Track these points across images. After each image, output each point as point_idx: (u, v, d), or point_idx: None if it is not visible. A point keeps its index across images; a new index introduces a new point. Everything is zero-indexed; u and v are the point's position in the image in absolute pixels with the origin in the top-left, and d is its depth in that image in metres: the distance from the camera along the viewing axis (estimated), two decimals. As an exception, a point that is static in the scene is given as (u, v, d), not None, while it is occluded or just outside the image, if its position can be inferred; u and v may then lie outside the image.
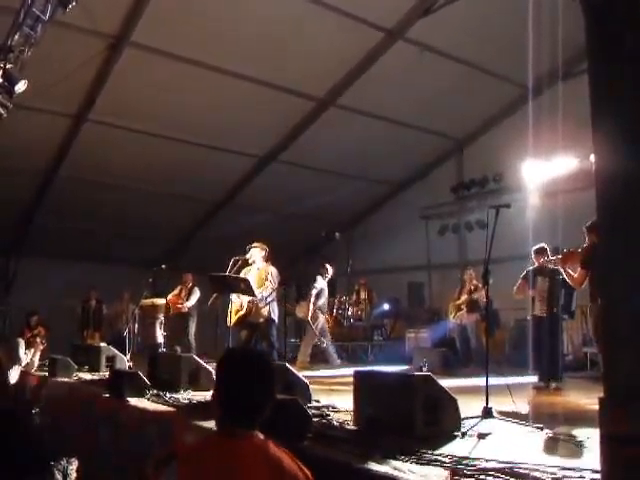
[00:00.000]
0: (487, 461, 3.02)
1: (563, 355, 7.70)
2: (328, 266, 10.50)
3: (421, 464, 3.04)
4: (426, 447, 3.30)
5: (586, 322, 8.92)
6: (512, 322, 10.50)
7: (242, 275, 7.40)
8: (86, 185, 11.77)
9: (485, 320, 8.39)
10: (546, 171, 10.10)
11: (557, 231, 7.76)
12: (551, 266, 7.00)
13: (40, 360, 8.34)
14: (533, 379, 7.16)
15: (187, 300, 10.51)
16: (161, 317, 10.89)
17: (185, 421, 4.44)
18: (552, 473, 2.79)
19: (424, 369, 7.23)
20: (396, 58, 9.79)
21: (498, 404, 4.50)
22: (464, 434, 3.72)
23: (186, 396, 5.55)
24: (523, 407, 4.90)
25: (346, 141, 11.59)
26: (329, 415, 4.41)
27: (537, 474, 2.77)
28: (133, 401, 5.35)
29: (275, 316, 7.56)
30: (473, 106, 11.49)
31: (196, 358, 6.33)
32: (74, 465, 4.17)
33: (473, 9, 8.88)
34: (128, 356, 8.50)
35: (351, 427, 4.02)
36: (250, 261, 7.58)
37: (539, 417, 4.47)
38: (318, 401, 5.00)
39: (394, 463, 3.05)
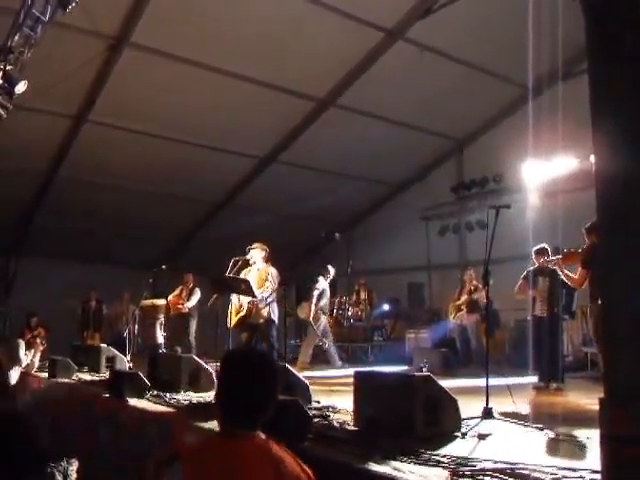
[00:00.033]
0: (487, 461, 3.02)
1: (563, 355, 7.69)
2: (330, 267, 10.50)
3: (421, 464, 3.05)
4: (426, 448, 3.31)
5: (586, 322, 8.91)
6: (512, 322, 10.50)
7: (242, 276, 7.39)
8: (86, 185, 11.77)
9: (485, 320, 8.39)
10: (546, 171, 10.10)
11: (557, 231, 7.76)
12: (551, 266, 7.01)
13: (40, 361, 8.33)
14: (533, 379, 7.16)
15: (188, 301, 10.50)
16: (161, 318, 10.90)
17: (185, 422, 4.44)
18: (552, 473, 2.79)
19: (424, 369, 7.22)
20: (396, 58, 9.78)
21: (498, 404, 4.51)
22: (464, 434, 3.73)
23: (186, 397, 5.55)
24: (523, 407, 4.90)
25: (346, 141, 11.58)
26: (329, 416, 4.42)
27: (537, 474, 2.77)
28: (133, 402, 5.35)
29: (275, 317, 7.55)
30: (473, 106, 11.48)
31: (196, 359, 6.33)
32: (74, 466, 4.17)
33: (473, 9, 8.88)
34: (128, 357, 8.49)
35: (351, 428, 4.02)
36: (250, 262, 7.57)
37: (539, 417, 4.47)
38: (318, 402, 5.01)
39: (394, 463, 3.05)
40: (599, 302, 5.32)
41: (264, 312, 7.41)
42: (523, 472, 2.81)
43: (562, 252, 6.94)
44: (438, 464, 3.04)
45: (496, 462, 2.99)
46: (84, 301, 12.40)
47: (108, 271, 13.19)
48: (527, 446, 3.49)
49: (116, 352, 8.10)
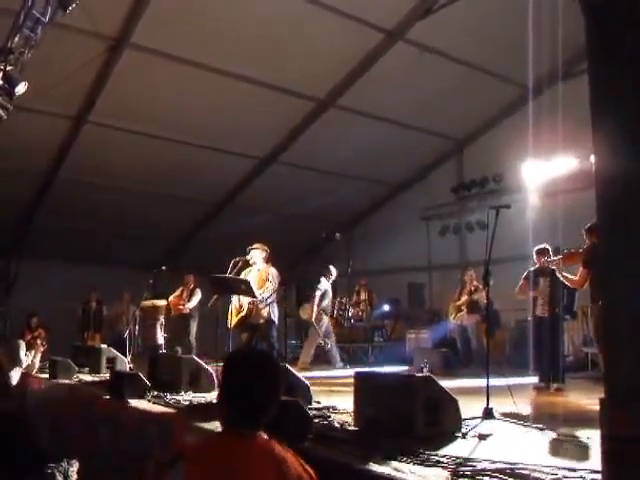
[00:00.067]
0: (488, 462, 3.02)
1: (564, 356, 7.69)
2: (332, 268, 10.49)
3: (422, 465, 3.04)
4: (427, 448, 3.30)
5: (587, 323, 8.91)
6: (513, 323, 10.50)
7: (242, 276, 7.39)
8: (86, 186, 11.77)
9: (486, 321, 8.39)
10: (546, 171, 10.09)
11: (557, 231, 7.75)
12: (552, 267, 7.00)
13: (41, 362, 8.34)
14: (534, 380, 7.16)
15: (189, 301, 10.51)
16: (161, 318, 10.90)
17: (185, 422, 4.43)
18: (552, 473, 2.78)
19: (425, 370, 7.22)
20: (396, 59, 9.79)
21: (499, 405, 4.50)
22: (465, 435, 3.72)
23: (187, 397, 5.55)
24: (524, 408, 4.90)
25: (346, 142, 11.58)
26: (330, 416, 4.41)
27: (537, 474, 2.77)
28: (133, 402, 5.35)
29: (275, 317, 7.55)
30: (473, 106, 11.49)
31: (196, 359, 6.32)
32: (74, 466, 4.18)
33: (473, 9, 8.88)
34: (129, 357, 8.50)
35: (352, 428, 4.02)
36: (251, 262, 7.58)
37: (540, 418, 4.47)
38: (319, 402, 5.00)
39: (395, 464, 3.05)
40: (600, 303, 5.32)
41: (264, 312, 7.41)
42: (523, 472, 2.81)
43: (563, 253, 6.94)
44: (438, 464, 3.04)
45: (496, 462, 2.99)
46: (84, 302, 12.40)
47: (108, 272, 13.17)
48: (528, 446, 3.49)
49: (116, 353, 8.10)
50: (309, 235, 13.81)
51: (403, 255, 13.29)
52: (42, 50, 6.81)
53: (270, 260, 7.75)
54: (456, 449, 3.38)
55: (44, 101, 8.92)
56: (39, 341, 9.17)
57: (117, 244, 13.61)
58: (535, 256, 7.24)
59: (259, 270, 7.57)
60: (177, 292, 10.75)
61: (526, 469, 2.84)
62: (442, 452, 3.29)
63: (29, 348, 8.06)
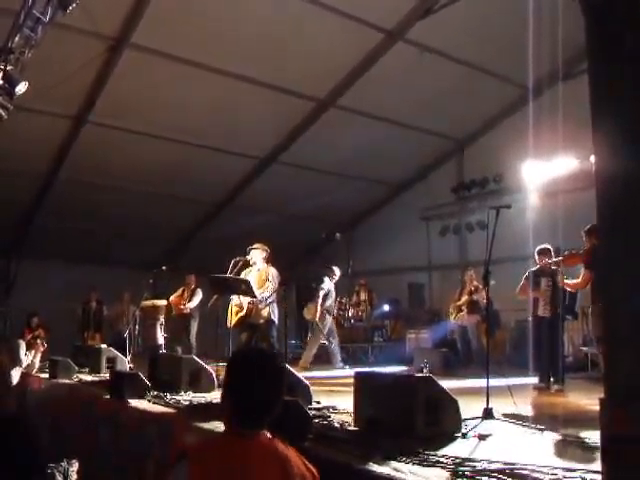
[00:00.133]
0: (488, 462, 3.02)
1: (564, 356, 7.68)
2: (335, 268, 10.48)
3: (422, 465, 3.04)
4: (427, 448, 3.30)
5: (587, 323, 8.91)
6: (513, 323, 10.50)
7: (243, 276, 7.40)
8: (86, 186, 11.76)
9: (486, 321, 8.39)
10: (546, 171, 10.10)
11: (557, 231, 7.75)
12: (553, 267, 7.00)
13: (41, 361, 8.33)
14: (534, 380, 7.15)
15: (190, 301, 10.52)
16: (161, 318, 10.90)
17: (185, 422, 4.43)
18: (552, 474, 2.78)
19: (425, 370, 7.22)
20: (396, 59, 9.79)
21: (499, 405, 4.50)
22: (465, 435, 3.72)
23: (186, 397, 5.55)
24: (524, 408, 4.90)
25: (346, 142, 11.58)
26: (330, 416, 4.42)
27: (537, 475, 2.77)
28: (133, 402, 5.35)
29: (275, 317, 7.55)
30: (473, 107, 11.49)
31: (197, 359, 6.32)
32: (74, 466, 4.17)
33: (473, 9, 8.88)
34: (129, 357, 8.50)
35: (352, 428, 4.02)
36: (251, 262, 7.58)
37: (540, 418, 4.47)
38: (319, 402, 5.00)
39: (394, 464, 3.05)
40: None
41: (264, 312, 7.41)
42: (523, 472, 2.81)
43: (563, 254, 6.93)
44: (438, 464, 3.04)
45: (496, 462, 2.99)
46: (84, 302, 12.39)
47: (108, 272, 13.17)
48: (527, 447, 3.49)
49: (116, 353, 8.10)
50: (309, 235, 13.80)
51: (403, 255, 13.29)
52: (42, 50, 6.81)
53: (270, 260, 7.75)
54: (456, 449, 3.38)
55: (44, 101, 8.91)
56: (39, 341, 9.15)
57: (117, 244, 13.61)
58: (537, 256, 7.22)
59: (259, 270, 7.57)
60: (178, 292, 10.75)
61: (525, 469, 2.84)
62: (442, 452, 3.29)
63: (29, 348, 8.06)
